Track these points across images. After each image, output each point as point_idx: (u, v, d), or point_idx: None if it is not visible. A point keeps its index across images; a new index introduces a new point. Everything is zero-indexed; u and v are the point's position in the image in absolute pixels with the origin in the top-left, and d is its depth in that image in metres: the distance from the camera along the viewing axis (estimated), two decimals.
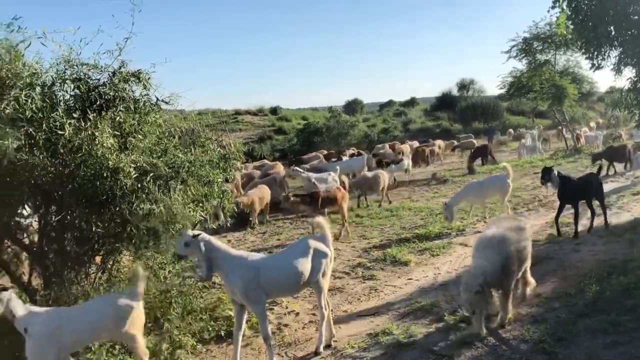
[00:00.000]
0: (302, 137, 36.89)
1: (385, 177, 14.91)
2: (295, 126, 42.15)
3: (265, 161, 24.26)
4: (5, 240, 6.12)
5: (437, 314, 6.48)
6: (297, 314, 7.06)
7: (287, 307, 7.21)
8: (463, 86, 53.44)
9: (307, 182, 14.59)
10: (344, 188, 11.67)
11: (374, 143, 30.73)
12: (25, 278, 6.42)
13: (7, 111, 4.66)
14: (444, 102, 50.80)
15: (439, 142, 27.81)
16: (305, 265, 5.62)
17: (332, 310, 6.26)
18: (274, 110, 47.64)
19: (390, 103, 59.61)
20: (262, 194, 13.33)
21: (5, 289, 4.80)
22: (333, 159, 21.40)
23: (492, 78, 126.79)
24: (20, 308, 4.71)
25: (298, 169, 16.15)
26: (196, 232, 5.35)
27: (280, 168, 19.66)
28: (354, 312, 7.04)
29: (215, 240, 5.45)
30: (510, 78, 28.73)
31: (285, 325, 6.70)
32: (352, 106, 52.32)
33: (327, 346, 5.93)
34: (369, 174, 15.11)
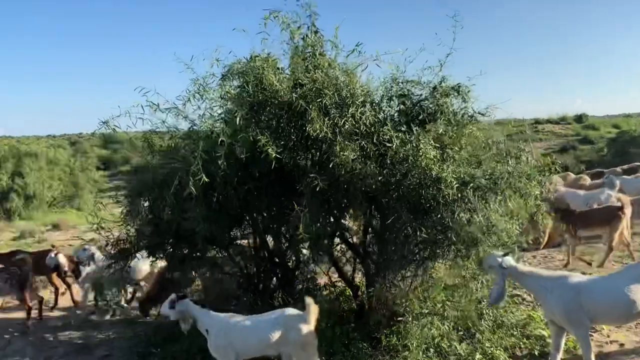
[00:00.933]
0: (614, 147, 32.68)
1: None
2: (604, 135, 37.76)
3: (570, 174, 22.33)
4: (336, 239, 6.99)
5: None
6: (622, 344, 6.27)
7: (608, 336, 6.48)
8: None
9: (574, 200, 12.90)
10: (622, 209, 9.85)
11: None
12: (350, 275, 7.24)
13: (347, 126, 5.32)
14: None
15: None
16: (639, 293, 4.97)
17: None
18: (578, 119, 43.67)
19: None
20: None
21: (184, 296, 5.44)
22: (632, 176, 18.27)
23: None
24: (198, 312, 5.29)
25: (561, 187, 14.30)
26: (505, 260, 5.28)
27: (586, 181, 17.86)
28: None
29: (521, 267, 5.38)
30: None
31: (607, 355, 6.03)
32: None
33: None
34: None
